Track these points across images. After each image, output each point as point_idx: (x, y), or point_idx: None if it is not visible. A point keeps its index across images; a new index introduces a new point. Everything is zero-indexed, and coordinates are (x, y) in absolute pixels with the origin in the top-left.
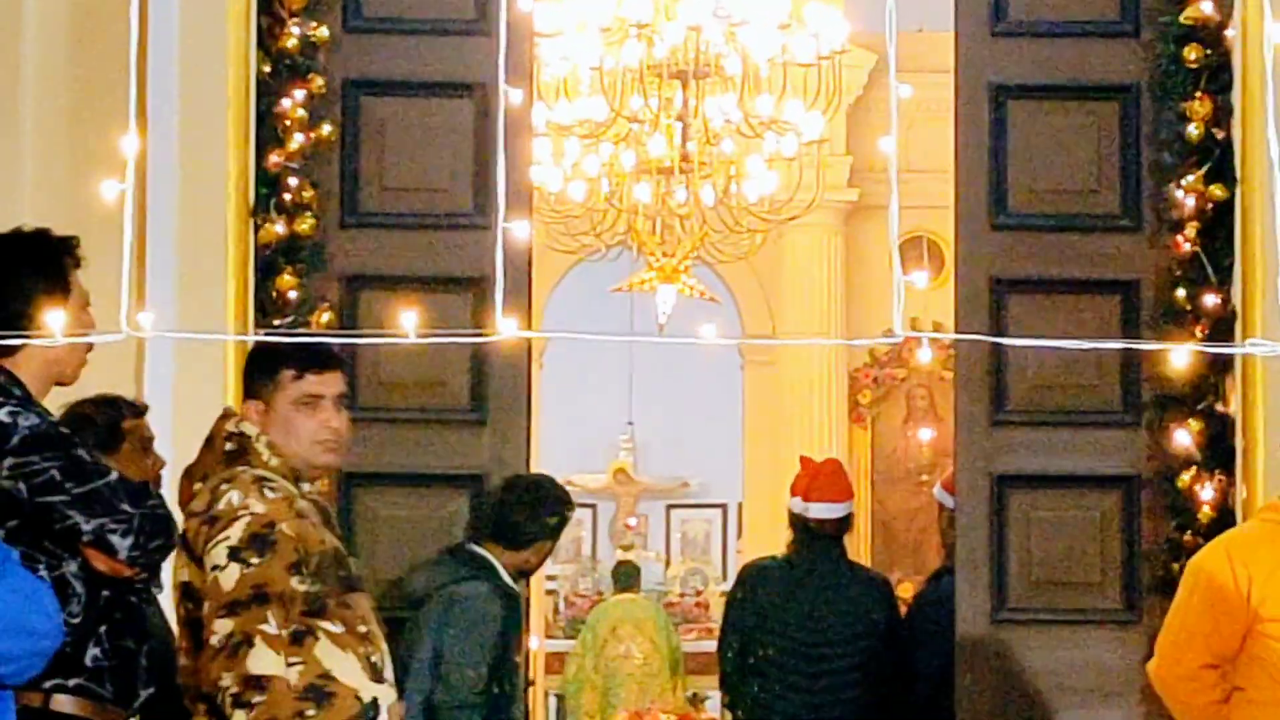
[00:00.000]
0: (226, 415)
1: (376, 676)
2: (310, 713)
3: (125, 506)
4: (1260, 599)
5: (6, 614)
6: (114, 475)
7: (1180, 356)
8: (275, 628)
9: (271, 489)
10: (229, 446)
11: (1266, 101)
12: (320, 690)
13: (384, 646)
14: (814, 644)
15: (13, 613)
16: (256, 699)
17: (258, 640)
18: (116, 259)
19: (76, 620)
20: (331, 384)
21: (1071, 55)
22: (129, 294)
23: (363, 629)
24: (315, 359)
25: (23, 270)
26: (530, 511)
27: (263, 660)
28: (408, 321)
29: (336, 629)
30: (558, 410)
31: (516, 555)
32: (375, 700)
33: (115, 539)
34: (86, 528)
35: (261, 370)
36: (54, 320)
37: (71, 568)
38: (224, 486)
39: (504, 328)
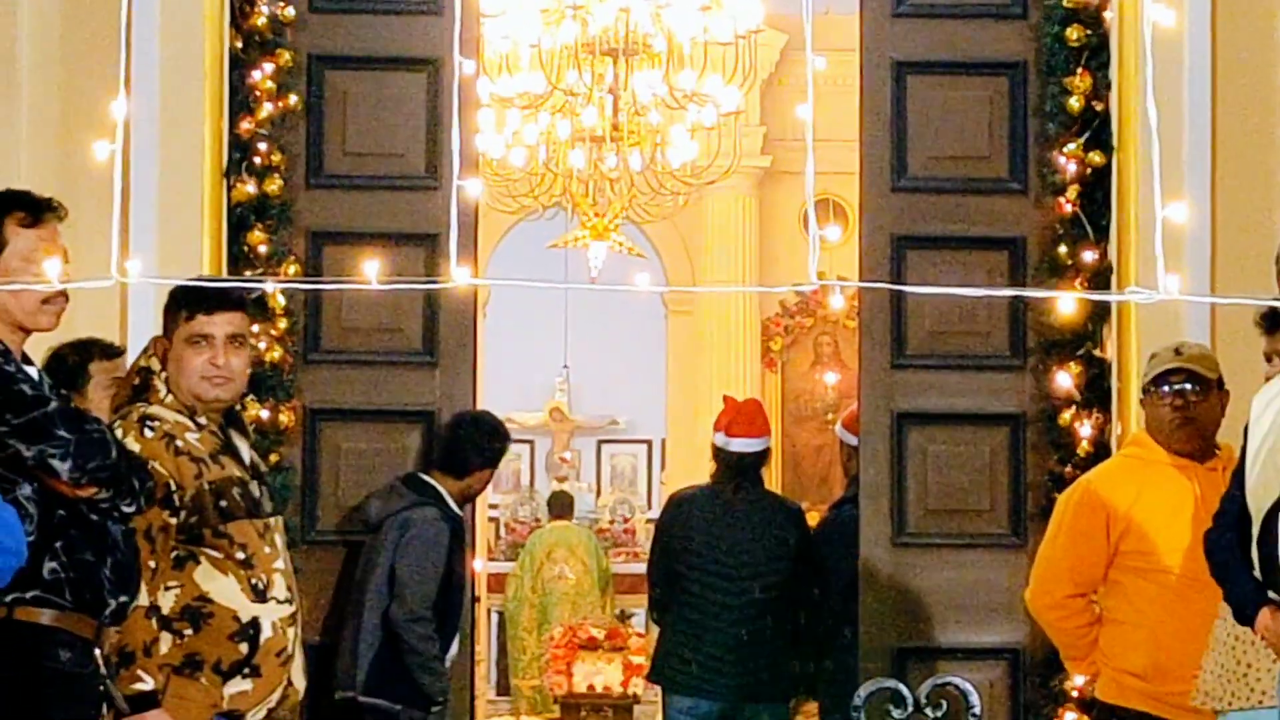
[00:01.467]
0: (146, 349)
1: (259, 597)
2: (187, 633)
3: (61, 432)
4: (1119, 532)
5: (13, 542)
6: (53, 405)
7: (1066, 304)
8: (157, 558)
9: (151, 428)
10: (135, 381)
11: (1146, 75)
12: (196, 612)
13: (274, 567)
14: (735, 565)
15: (15, 541)
16: (116, 629)
17: (128, 566)
18: (102, 214)
19: (31, 538)
20: (221, 324)
21: (965, 35)
22: (118, 245)
23: (241, 555)
24: (205, 301)
25: None
26: (473, 442)
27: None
28: (370, 270)
29: (216, 555)
30: (499, 355)
31: (460, 482)
32: (255, 619)
33: (55, 462)
34: (28, 454)
35: (166, 311)
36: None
37: (25, 491)
38: (116, 424)
39: (458, 276)
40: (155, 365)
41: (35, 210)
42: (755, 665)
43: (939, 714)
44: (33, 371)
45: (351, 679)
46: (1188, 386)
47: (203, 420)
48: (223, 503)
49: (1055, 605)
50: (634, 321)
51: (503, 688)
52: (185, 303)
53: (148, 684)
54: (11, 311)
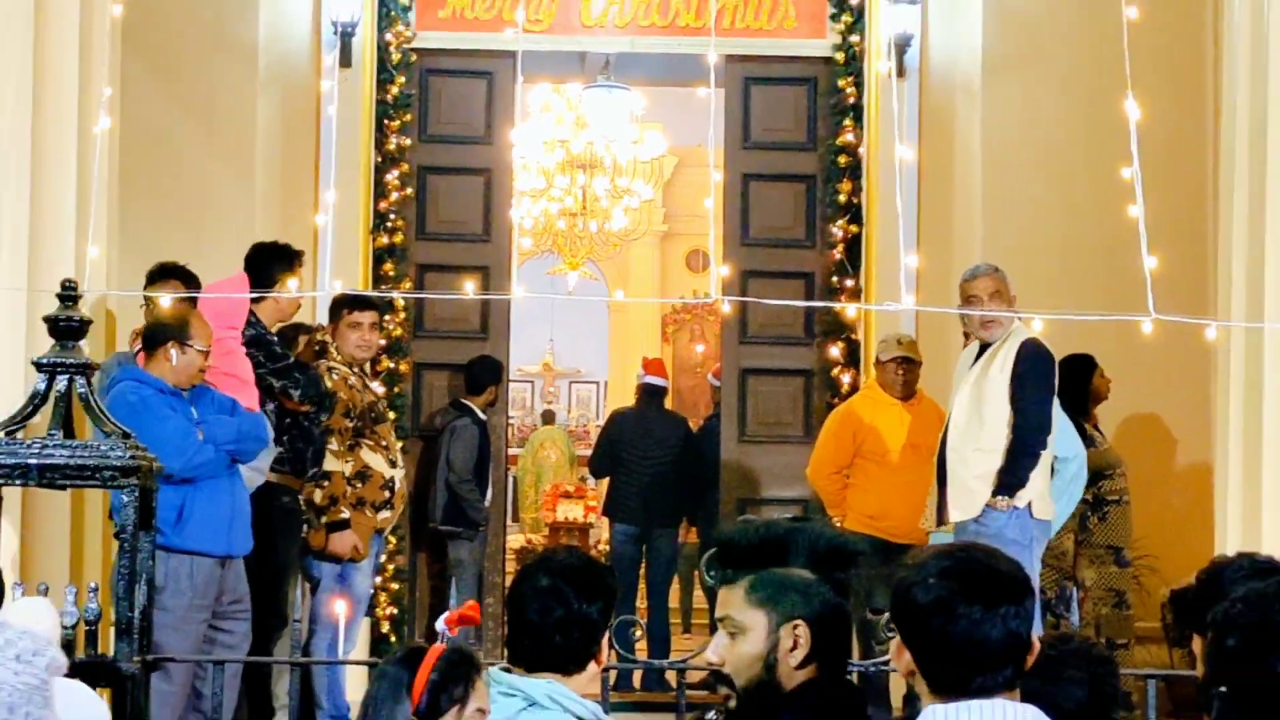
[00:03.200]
0: (315, 330)
1: (392, 465)
2: (358, 485)
3: (296, 374)
4: (860, 440)
5: (251, 430)
6: (291, 359)
7: (851, 310)
8: (336, 446)
9: (335, 375)
10: (316, 348)
11: (897, 188)
12: (363, 474)
13: (397, 449)
14: (647, 451)
15: (252, 430)
16: (325, 483)
17: (327, 453)
18: (310, 258)
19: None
20: (367, 317)
21: (783, 159)
22: (329, 273)
23: (384, 443)
24: (358, 303)
25: (272, 262)
26: (481, 373)
27: (329, 463)
28: (469, 288)
29: (370, 443)
30: (517, 332)
31: (481, 398)
32: (392, 478)
33: (292, 391)
34: (276, 385)
35: (332, 309)
36: (292, 286)
37: (270, 407)
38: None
39: (516, 291)
40: (327, 339)
41: (295, 258)
42: (659, 505)
43: None
44: (275, 340)
45: (435, 516)
46: (905, 363)
47: (355, 370)
48: (372, 414)
49: (823, 478)
50: (590, 316)
51: (514, 518)
52: (347, 304)
53: (344, 514)
54: (273, 311)
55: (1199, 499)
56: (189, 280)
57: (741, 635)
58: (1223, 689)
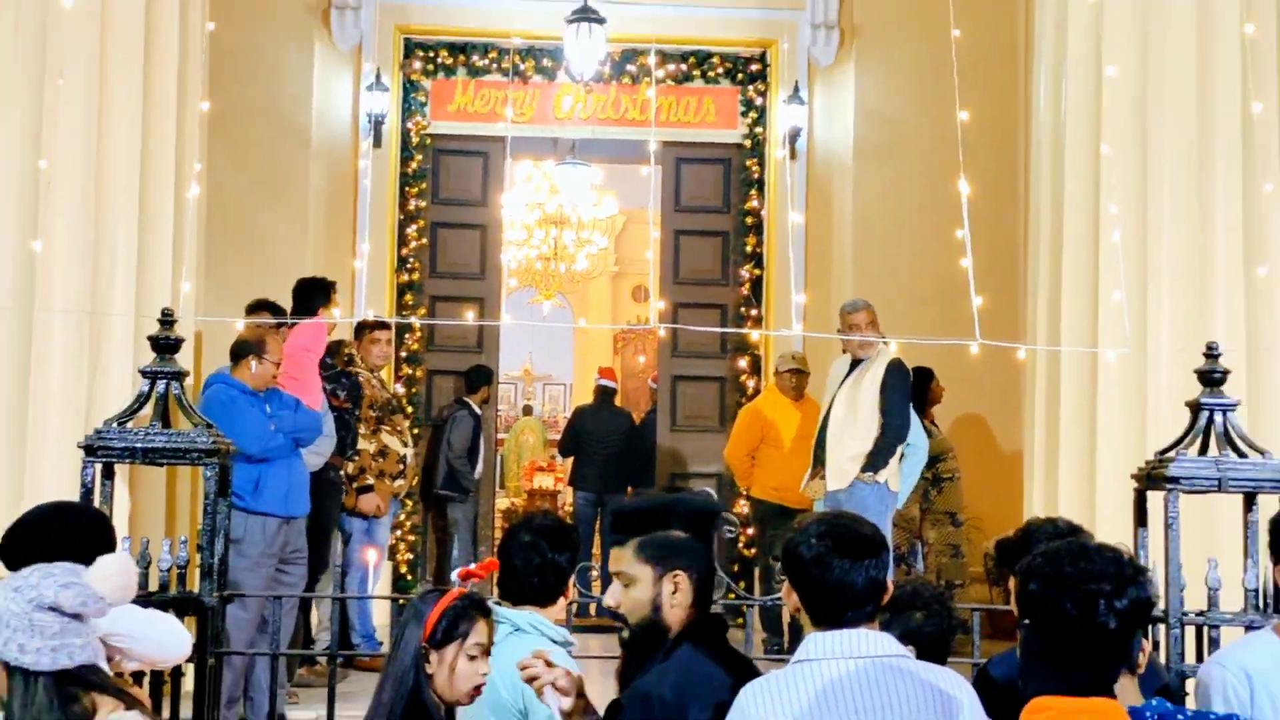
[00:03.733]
0: (344, 345)
1: (404, 445)
2: (380, 460)
3: (342, 379)
4: (765, 430)
5: (306, 423)
6: (337, 368)
7: (755, 334)
8: (364, 430)
9: (360, 377)
10: (345, 358)
11: (789, 243)
12: (383, 451)
13: (410, 433)
14: (601, 437)
15: (307, 423)
16: (355, 457)
17: (359, 434)
18: (345, 290)
19: (332, 429)
20: (384, 335)
21: (706, 219)
22: (364, 302)
23: (399, 429)
24: (377, 325)
25: (314, 293)
26: (476, 375)
27: (359, 442)
28: (470, 315)
29: (389, 428)
30: (505, 347)
31: (476, 395)
32: (405, 454)
33: (339, 392)
34: (327, 389)
35: (358, 329)
36: (335, 314)
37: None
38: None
39: (505, 319)
40: (354, 351)
41: (330, 288)
42: (610, 478)
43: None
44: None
45: (438, 483)
46: (797, 373)
47: (375, 375)
48: (389, 407)
49: (735, 459)
50: (559, 336)
51: (500, 486)
52: (369, 325)
53: (370, 481)
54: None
55: (1012, 477)
56: (277, 310)
57: (633, 585)
58: (1026, 621)
